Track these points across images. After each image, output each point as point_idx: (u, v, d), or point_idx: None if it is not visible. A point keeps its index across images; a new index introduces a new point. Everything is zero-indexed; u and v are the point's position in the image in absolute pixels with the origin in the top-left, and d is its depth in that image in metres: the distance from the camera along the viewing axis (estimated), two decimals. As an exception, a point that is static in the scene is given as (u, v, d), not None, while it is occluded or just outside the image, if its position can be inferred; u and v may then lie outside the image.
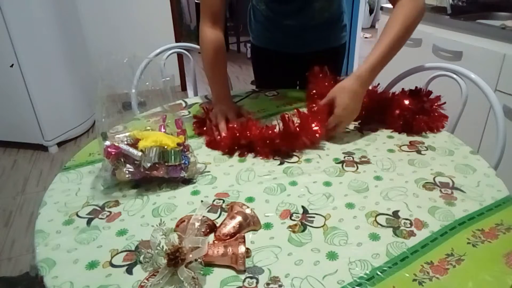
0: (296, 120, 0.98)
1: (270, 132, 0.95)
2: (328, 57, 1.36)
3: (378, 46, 0.98)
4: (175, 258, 0.58)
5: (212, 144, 1.00)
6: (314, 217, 0.74)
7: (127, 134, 0.84)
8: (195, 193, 0.82)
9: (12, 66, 2.36)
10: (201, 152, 0.97)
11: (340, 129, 1.01)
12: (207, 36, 1.12)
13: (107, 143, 0.80)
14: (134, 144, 0.82)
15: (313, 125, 0.96)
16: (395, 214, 0.74)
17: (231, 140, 0.96)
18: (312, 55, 1.34)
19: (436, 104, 1.06)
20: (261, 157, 0.94)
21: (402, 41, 0.99)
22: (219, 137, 0.99)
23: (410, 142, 1.00)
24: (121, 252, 0.66)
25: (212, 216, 0.74)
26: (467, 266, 0.62)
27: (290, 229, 0.71)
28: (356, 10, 3.85)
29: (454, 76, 1.20)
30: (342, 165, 0.90)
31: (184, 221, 0.69)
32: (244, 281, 0.60)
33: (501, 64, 1.69)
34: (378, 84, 1.13)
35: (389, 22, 0.99)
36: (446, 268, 0.61)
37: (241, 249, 0.62)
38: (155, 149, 0.80)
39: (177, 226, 0.70)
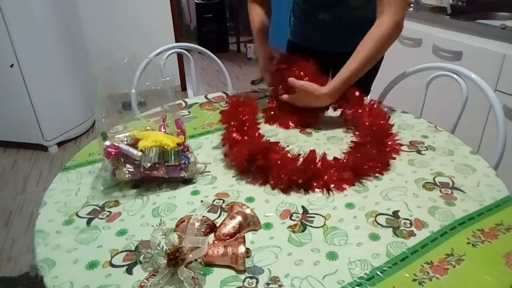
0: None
1: (291, 161, 0.84)
2: None
3: (352, 63, 1.04)
4: (175, 258, 0.58)
5: (229, 155, 0.91)
6: (314, 217, 0.74)
7: (127, 134, 0.84)
8: (195, 193, 0.82)
9: (12, 66, 2.36)
10: (201, 152, 0.97)
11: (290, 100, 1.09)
12: (255, 11, 1.32)
13: (107, 143, 0.80)
14: (134, 144, 0.82)
15: (344, 175, 0.85)
16: (395, 214, 0.74)
17: (246, 157, 0.86)
18: (342, 55, 1.30)
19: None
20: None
21: (373, 60, 1.05)
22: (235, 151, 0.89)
23: (410, 142, 1.00)
24: (121, 252, 0.66)
25: (212, 216, 0.74)
26: (467, 266, 0.62)
27: (290, 229, 0.71)
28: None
29: (454, 76, 1.20)
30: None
31: (184, 221, 0.69)
32: (244, 281, 0.60)
33: (501, 64, 1.69)
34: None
35: (365, 39, 1.05)
36: (446, 268, 0.61)
37: (241, 249, 0.62)
38: (155, 149, 0.80)
39: (177, 226, 0.70)
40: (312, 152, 0.85)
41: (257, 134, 0.95)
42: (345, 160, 0.87)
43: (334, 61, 1.30)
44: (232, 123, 0.96)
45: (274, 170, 0.83)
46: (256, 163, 0.85)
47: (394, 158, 0.92)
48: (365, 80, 1.12)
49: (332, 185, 0.82)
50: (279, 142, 0.93)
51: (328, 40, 1.37)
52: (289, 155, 0.86)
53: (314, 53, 1.29)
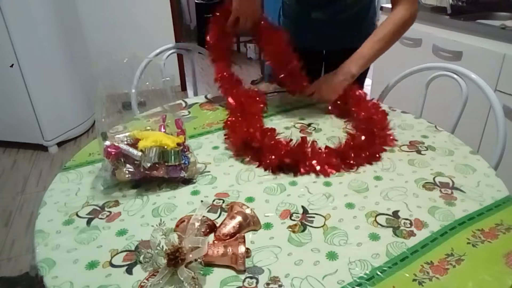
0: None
1: (283, 144, 0.90)
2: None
3: (373, 43, 1.12)
4: (175, 258, 0.58)
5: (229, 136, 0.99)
6: (314, 217, 0.74)
7: (127, 134, 0.84)
8: (195, 193, 0.82)
9: (12, 66, 2.36)
10: (201, 152, 0.97)
11: (317, 98, 1.17)
12: None
13: (107, 143, 0.80)
14: (134, 144, 0.82)
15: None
16: (395, 214, 0.74)
17: (243, 139, 0.93)
18: (338, 53, 1.29)
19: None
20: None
21: (392, 42, 1.13)
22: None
23: (410, 142, 1.00)
24: (121, 252, 0.66)
25: (212, 216, 0.74)
26: (467, 266, 0.62)
27: (290, 229, 0.71)
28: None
29: (454, 76, 1.20)
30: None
31: (184, 221, 0.69)
32: (244, 281, 0.60)
33: (501, 64, 1.69)
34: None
35: (385, 22, 1.12)
36: (446, 268, 0.61)
37: (241, 249, 0.62)
38: (155, 149, 0.80)
39: (177, 226, 0.70)
40: (303, 138, 0.92)
41: (257, 123, 1.00)
42: (333, 147, 0.93)
43: (325, 59, 1.33)
44: (236, 110, 1.04)
45: (267, 152, 0.89)
46: (251, 145, 0.92)
47: (385, 150, 0.95)
48: (359, 76, 1.16)
49: (318, 168, 0.87)
50: (275, 129, 0.97)
51: (321, 39, 1.36)
52: (282, 140, 0.92)
53: (305, 53, 1.30)
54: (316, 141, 0.94)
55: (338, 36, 1.34)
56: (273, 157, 0.88)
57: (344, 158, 0.90)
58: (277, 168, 0.88)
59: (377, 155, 0.93)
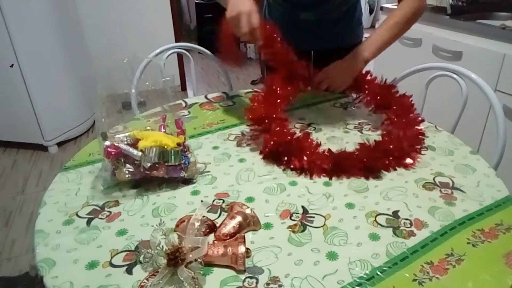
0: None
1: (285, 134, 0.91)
2: (342, 56, 1.35)
3: (385, 31, 1.13)
4: (175, 258, 0.58)
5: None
6: (314, 217, 0.74)
7: (127, 134, 0.84)
8: (195, 193, 0.82)
9: (12, 66, 2.36)
10: (201, 152, 0.97)
11: (327, 86, 1.15)
12: None
13: (107, 143, 0.80)
14: (134, 144, 0.82)
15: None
16: (395, 214, 0.74)
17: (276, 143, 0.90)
18: (326, 52, 1.32)
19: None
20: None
21: (402, 32, 1.14)
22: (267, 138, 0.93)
23: (410, 142, 1.00)
24: (121, 252, 0.66)
25: (212, 216, 0.74)
26: (467, 266, 0.62)
27: (290, 229, 0.71)
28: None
29: (454, 76, 1.20)
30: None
31: (184, 221, 0.69)
32: (244, 281, 0.60)
33: (501, 64, 1.69)
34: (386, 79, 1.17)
35: (395, 12, 1.13)
36: (446, 268, 0.61)
37: (241, 249, 0.62)
38: (155, 149, 0.80)
39: (177, 226, 0.70)
40: (306, 134, 0.96)
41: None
42: (331, 153, 0.90)
43: (313, 59, 1.36)
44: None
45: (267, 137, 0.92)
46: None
47: (379, 172, 0.87)
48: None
49: (307, 167, 0.87)
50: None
51: (310, 39, 1.36)
52: (286, 131, 0.94)
53: (298, 54, 1.31)
54: (318, 143, 0.93)
55: (327, 36, 1.35)
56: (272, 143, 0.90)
57: (339, 166, 0.86)
58: (268, 155, 0.91)
59: (374, 173, 0.86)
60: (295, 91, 1.16)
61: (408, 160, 0.89)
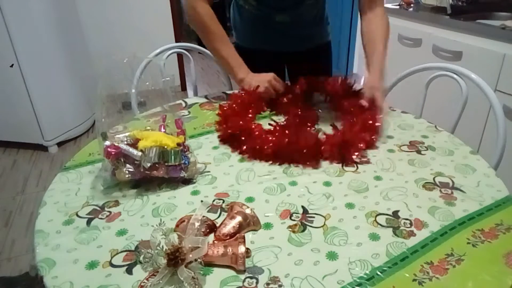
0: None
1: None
2: (318, 54, 1.44)
3: (379, 52, 1.12)
4: (175, 258, 0.58)
5: (252, 153, 0.95)
6: (314, 217, 0.74)
7: (127, 134, 0.84)
8: (195, 193, 0.82)
9: (12, 66, 2.36)
10: (201, 152, 0.97)
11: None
12: (204, 10, 1.18)
13: (107, 143, 0.80)
14: (134, 144, 0.82)
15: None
16: (395, 214, 0.74)
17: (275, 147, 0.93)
18: (300, 53, 1.39)
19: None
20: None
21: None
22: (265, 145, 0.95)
23: (410, 142, 1.00)
24: (121, 252, 0.66)
25: (212, 216, 0.74)
26: (467, 266, 0.62)
27: (290, 229, 0.71)
28: (355, 10, 3.86)
29: (454, 76, 1.20)
30: (342, 165, 0.90)
31: (184, 221, 0.69)
32: (244, 281, 0.60)
33: (501, 64, 1.69)
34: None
35: (376, 28, 1.16)
36: (446, 268, 0.61)
37: (241, 249, 0.62)
38: (155, 149, 0.80)
39: (177, 226, 0.70)
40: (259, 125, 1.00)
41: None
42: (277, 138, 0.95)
43: (287, 60, 1.43)
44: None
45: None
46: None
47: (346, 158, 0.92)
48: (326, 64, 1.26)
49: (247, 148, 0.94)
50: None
51: (285, 40, 1.37)
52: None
53: (267, 54, 1.33)
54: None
55: (301, 37, 1.38)
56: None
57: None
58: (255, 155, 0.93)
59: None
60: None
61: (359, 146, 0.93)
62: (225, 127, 1.02)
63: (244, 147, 0.95)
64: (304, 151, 0.91)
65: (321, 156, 0.92)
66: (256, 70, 1.34)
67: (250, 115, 1.10)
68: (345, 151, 0.92)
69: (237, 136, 0.98)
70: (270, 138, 0.95)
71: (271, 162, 0.92)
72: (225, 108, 1.09)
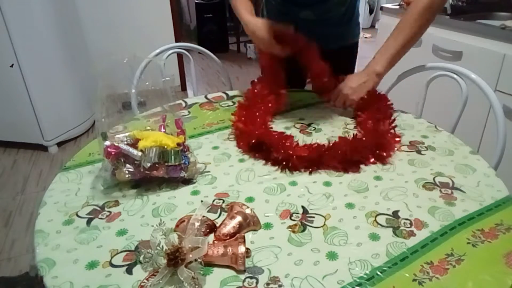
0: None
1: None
2: (341, 55, 1.36)
3: (397, 40, 1.06)
4: (175, 258, 0.58)
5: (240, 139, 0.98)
6: (314, 217, 0.74)
7: (127, 134, 0.84)
8: (195, 193, 0.82)
9: (12, 66, 2.36)
10: (201, 152, 0.97)
11: (342, 103, 1.13)
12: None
13: (107, 143, 0.80)
14: (134, 144, 0.82)
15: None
16: (395, 214, 0.74)
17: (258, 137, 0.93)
18: (325, 53, 1.30)
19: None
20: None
21: (416, 37, 1.08)
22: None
23: (410, 142, 1.00)
24: (121, 252, 0.66)
25: (212, 216, 0.74)
26: (467, 266, 0.62)
27: (290, 229, 0.71)
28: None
29: (454, 76, 1.20)
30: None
31: (184, 221, 0.69)
32: (244, 281, 0.60)
33: (501, 64, 1.69)
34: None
35: (406, 16, 1.07)
36: (446, 268, 0.61)
37: (241, 249, 0.62)
38: (155, 149, 0.80)
39: (177, 226, 0.70)
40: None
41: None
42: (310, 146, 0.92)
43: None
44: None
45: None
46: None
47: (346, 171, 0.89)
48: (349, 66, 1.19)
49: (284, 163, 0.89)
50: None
51: (311, 37, 1.32)
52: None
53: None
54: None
55: (325, 36, 1.33)
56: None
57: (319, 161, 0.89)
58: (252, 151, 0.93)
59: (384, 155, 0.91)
60: (280, 100, 1.15)
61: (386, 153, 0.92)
62: (248, 136, 0.96)
63: (277, 156, 0.90)
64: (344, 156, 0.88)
65: (361, 161, 0.90)
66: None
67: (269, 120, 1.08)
68: (381, 152, 0.91)
69: (264, 145, 0.93)
70: (304, 146, 0.92)
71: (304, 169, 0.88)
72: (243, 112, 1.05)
